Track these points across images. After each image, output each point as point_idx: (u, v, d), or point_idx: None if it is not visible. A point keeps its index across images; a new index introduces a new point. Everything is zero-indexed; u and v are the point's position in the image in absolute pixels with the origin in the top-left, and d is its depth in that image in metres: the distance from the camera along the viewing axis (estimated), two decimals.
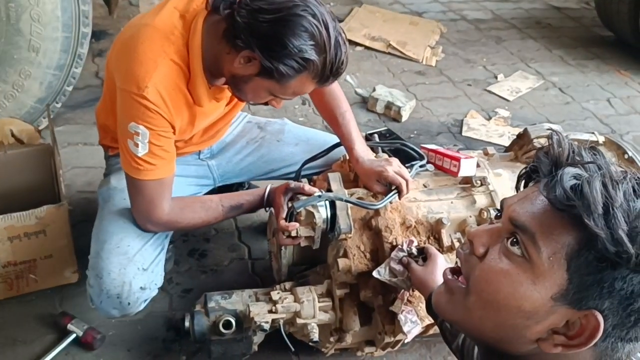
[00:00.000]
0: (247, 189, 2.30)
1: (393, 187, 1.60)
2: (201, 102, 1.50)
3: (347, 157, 1.78)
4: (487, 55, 3.94)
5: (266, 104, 1.53)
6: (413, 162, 1.75)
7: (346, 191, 1.61)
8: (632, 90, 3.73)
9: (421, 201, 1.69)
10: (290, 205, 1.53)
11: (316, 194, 1.52)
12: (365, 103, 3.13)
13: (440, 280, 1.43)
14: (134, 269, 1.56)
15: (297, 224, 1.52)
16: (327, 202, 1.53)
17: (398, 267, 1.51)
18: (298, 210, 1.51)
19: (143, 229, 1.57)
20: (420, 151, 1.80)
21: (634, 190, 0.68)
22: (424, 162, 1.75)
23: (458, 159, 1.70)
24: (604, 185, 0.67)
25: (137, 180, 1.46)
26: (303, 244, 1.58)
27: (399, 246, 1.55)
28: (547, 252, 0.70)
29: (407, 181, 1.60)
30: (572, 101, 3.52)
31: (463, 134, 3.05)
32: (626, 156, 1.85)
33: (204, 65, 1.44)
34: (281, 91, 1.42)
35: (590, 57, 4.11)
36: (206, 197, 1.68)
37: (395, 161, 1.65)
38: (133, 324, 1.85)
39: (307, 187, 1.55)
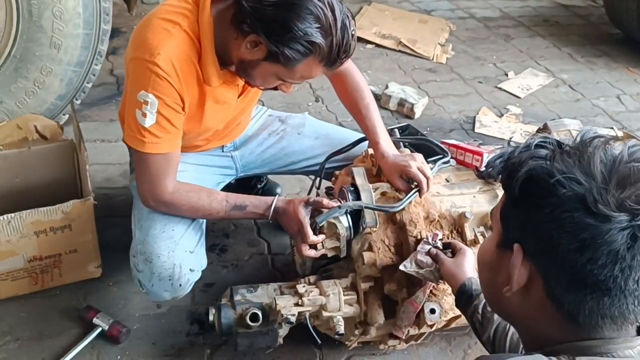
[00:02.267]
0: (265, 184, 2.32)
1: (414, 185, 1.61)
2: (211, 80, 1.48)
3: (370, 152, 1.79)
4: (496, 53, 3.95)
5: (275, 88, 1.54)
6: (437, 158, 1.76)
7: (370, 186, 1.63)
8: None
9: (444, 195, 1.70)
10: (312, 220, 1.55)
11: (336, 205, 1.54)
12: (378, 100, 3.13)
13: (470, 273, 1.45)
14: (182, 251, 1.59)
15: (323, 236, 1.56)
16: (348, 212, 1.55)
17: (425, 259, 1.53)
18: (321, 225, 1.54)
19: (145, 205, 1.58)
20: (444, 147, 1.81)
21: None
22: (447, 157, 1.76)
23: (481, 154, 1.71)
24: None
25: (141, 154, 1.46)
26: (330, 254, 1.61)
27: (425, 239, 1.57)
28: (495, 220, 0.87)
29: (427, 179, 1.61)
30: (583, 98, 3.54)
31: (475, 130, 3.06)
32: None
33: (216, 49, 1.45)
34: (289, 75, 1.42)
35: (598, 54, 4.12)
36: (213, 190, 1.69)
37: (419, 157, 1.67)
38: (157, 317, 1.86)
39: (326, 202, 1.57)
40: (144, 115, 1.40)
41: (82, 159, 1.77)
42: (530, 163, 0.78)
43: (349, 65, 1.82)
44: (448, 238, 1.65)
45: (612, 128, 1.95)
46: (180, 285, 1.60)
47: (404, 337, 1.64)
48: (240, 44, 1.37)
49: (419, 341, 1.76)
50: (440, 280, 1.55)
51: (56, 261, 1.81)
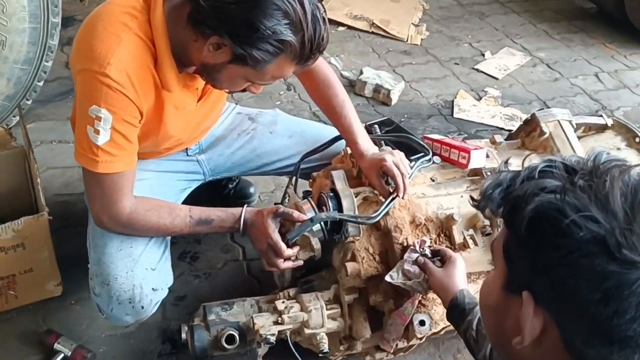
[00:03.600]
0: (237, 183, 2.18)
1: (392, 190, 1.49)
2: (169, 85, 1.33)
3: (349, 151, 1.66)
4: (471, 32, 3.84)
5: (244, 90, 1.39)
6: (418, 156, 1.64)
7: (351, 191, 1.50)
8: (618, 63, 3.68)
9: (430, 197, 1.59)
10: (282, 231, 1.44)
11: (307, 218, 1.42)
12: (352, 87, 3.00)
13: (462, 284, 1.35)
14: (142, 270, 1.45)
15: (297, 248, 1.45)
16: (322, 223, 1.44)
17: (413, 269, 1.42)
18: (293, 241, 1.43)
19: (99, 227, 1.43)
20: (424, 143, 1.69)
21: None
22: (429, 156, 1.64)
23: (467, 151, 1.60)
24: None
25: (93, 173, 1.30)
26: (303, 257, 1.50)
27: (411, 247, 1.46)
28: (497, 255, 0.76)
29: (403, 175, 1.48)
30: (561, 77, 3.45)
31: (454, 115, 2.95)
32: (637, 140, 1.77)
33: (172, 50, 1.29)
34: (258, 77, 1.29)
35: (574, 30, 4.04)
36: (175, 204, 1.54)
37: (398, 152, 1.55)
38: (125, 337, 1.73)
39: (297, 215, 1.43)
40: (97, 132, 1.24)
41: (34, 171, 1.60)
42: (538, 199, 0.66)
43: (317, 60, 1.69)
44: (436, 243, 1.54)
45: (601, 115, 1.85)
46: (142, 307, 1.47)
47: (392, 351, 1.54)
48: (202, 47, 1.22)
49: (407, 352, 1.66)
50: (429, 291, 1.44)
51: (10, 282, 1.65)
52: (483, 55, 3.57)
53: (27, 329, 1.70)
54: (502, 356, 0.82)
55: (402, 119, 2.87)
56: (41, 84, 2.22)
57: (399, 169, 1.48)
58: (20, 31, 2.03)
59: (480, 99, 3.12)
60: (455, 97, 3.10)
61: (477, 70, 3.40)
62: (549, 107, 3.10)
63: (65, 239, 1.91)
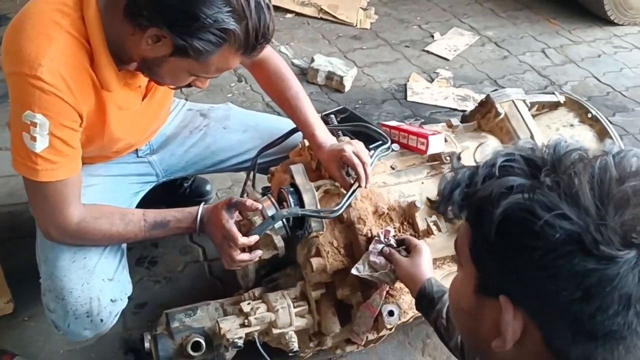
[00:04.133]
0: (192, 182, 2.12)
1: (353, 181, 1.46)
2: (109, 85, 1.25)
3: (306, 144, 1.62)
4: (420, 14, 3.83)
5: (189, 85, 1.32)
6: (377, 144, 1.61)
7: (312, 184, 1.47)
8: (563, 39, 3.75)
9: (391, 185, 1.57)
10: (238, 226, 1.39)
11: (268, 215, 1.37)
12: (304, 75, 2.95)
13: (429, 273, 1.34)
14: (99, 281, 1.38)
15: (256, 237, 1.38)
16: (283, 220, 1.39)
17: (379, 260, 1.40)
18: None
19: (47, 239, 1.35)
20: (382, 131, 1.66)
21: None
22: (388, 144, 1.61)
23: (426, 136, 1.58)
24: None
25: (35, 183, 1.22)
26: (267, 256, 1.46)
27: (376, 238, 1.43)
28: (464, 260, 0.72)
29: (364, 163, 1.45)
30: (510, 55, 3.49)
31: (408, 99, 2.95)
32: (589, 115, 1.79)
33: (109, 46, 1.21)
34: (202, 70, 1.22)
35: (519, 7, 4.09)
36: (127, 209, 1.47)
37: (357, 142, 1.52)
38: (85, 352, 1.65)
39: (250, 202, 1.38)
40: (33, 138, 1.15)
41: None
42: (506, 202, 0.63)
43: (267, 50, 1.63)
44: (399, 231, 1.52)
45: (553, 93, 1.87)
46: (101, 320, 1.40)
47: (362, 344, 1.52)
48: (140, 40, 1.14)
49: (377, 343, 1.64)
50: (396, 281, 1.43)
51: None
52: (432, 36, 3.57)
53: None
54: (478, 355, 0.80)
55: (357, 105, 2.84)
56: None
57: (359, 158, 1.45)
58: None
59: (432, 80, 3.13)
60: (408, 81, 3.10)
61: (428, 52, 3.40)
62: (500, 86, 3.14)
63: (12, 252, 1.83)
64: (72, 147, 1.23)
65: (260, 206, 1.39)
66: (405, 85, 3.05)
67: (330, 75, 2.91)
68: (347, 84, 2.92)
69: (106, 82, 1.24)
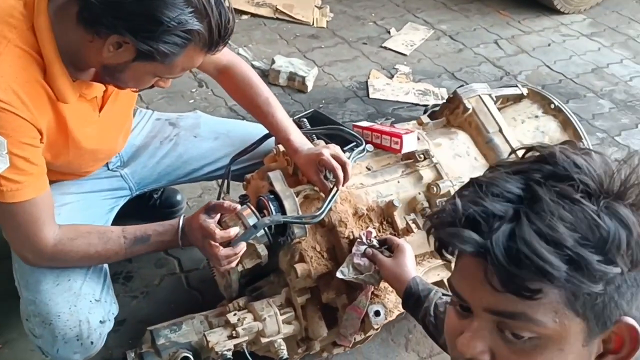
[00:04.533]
0: (162, 192, 2.08)
1: (333, 184, 1.47)
2: (65, 97, 1.21)
3: (281, 149, 1.62)
4: (374, 10, 3.86)
5: (152, 86, 1.30)
6: (351, 146, 1.62)
7: (292, 190, 1.46)
8: (514, 29, 3.84)
9: (368, 186, 1.59)
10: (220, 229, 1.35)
11: (250, 225, 1.35)
12: (266, 77, 2.93)
13: (413, 271, 1.35)
14: (86, 303, 1.35)
15: (236, 229, 1.35)
16: (265, 228, 1.38)
17: (363, 262, 1.41)
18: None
19: (26, 263, 1.30)
20: (355, 132, 1.67)
21: (552, 214, 0.61)
22: (362, 146, 1.62)
23: (399, 136, 1.60)
24: (535, 231, 0.60)
25: (2, 205, 1.17)
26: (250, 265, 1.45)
27: (358, 239, 1.44)
28: (550, 319, 0.63)
29: (344, 164, 1.45)
30: (464, 48, 3.56)
31: (370, 96, 2.97)
32: (552, 106, 1.85)
33: (62, 56, 1.17)
34: (167, 71, 1.21)
35: (470, 0, 4.17)
36: (105, 227, 1.43)
37: (334, 146, 1.52)
38: None
39: (227, 204, 1.36)
40: None
41: None
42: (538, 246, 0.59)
43: (232, 58, 1.62)
44: (379, 231, 1.54)
45: (516, 86, 1.92)
46: (91, 342, 1.37)
47: (350, 345, 1.53)
48: (100, 48, 1.11)
49: (364, 343, 1.65)
50: (381, 282, 1.44)
51: None
52: (389, 32, 3.60)
53: None
54: None
55: (320, 105, 2.85)
56: None
57: (337, 160, 1.46)
58: None
59: (392, 77, 3.16)
60: (369, 78, 3.12)
61: (385, 48, 3.43)
62: (457, 79, 3.20)
63: None
64: (35, 165, 1.18)
65: (238, 207, 1.37)
66: (366, 82, 3.07)
67: (292, 76, 2.90)
68: (309, 84, 2.92)
69: (61, 93, 1.20)
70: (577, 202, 0.60)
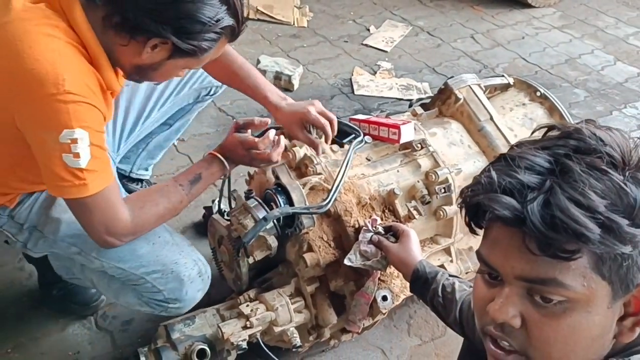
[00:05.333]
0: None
1: (320, 136, 1.53)
2: (113, 87, 1.26)
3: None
4: (352, 9, 3.92)
5: None
6: (350, 138, 1.67)
7: (298, 182, 1.50)
8: (489, 24, 3.94)
9: (369, 176, 1.63)
10: (239, 242, 1.44)
11: (259, 217, 1.41)
12: None
13: (419, 255, 1.39)
14: (187, 246, 1.48)
15: (273, 132, 1.44)
16: (275, 220, 1.43)
17: (369, 249, 1.45)
18: (249, 243, 1.41)
19: (108, 247, 1.31)
20: (353, 125, 1.72)
21: (583, 182, 0.65)
22: (361, 137, 1.67)
23: (397, 126, 1.65)
24: (569, 199, 0.64)
25: (84, 199, 1.19)
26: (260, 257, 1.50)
27: (364, 227, 1.49)
28: (579, 284, 0.67)
29: (331, 121, 1.53)
30: (443, 43, 3.64)
31: (355, 93, 3.02)
32: (538, 94, 1.92)
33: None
34: (198, 63, 1.29)
35: None
36: (159, 184, 1.48)
37: (317, 102, 1.58)
38: None
39: (257, 119, 1.47)
40: (76, 155, 1.12)
41: None
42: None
43: None
44: (382, 219, 1.58)
45: (503, 76, 1.99)
46: (208, 277, 1.50)
47: (359, 331, 1.58)
48: (137, 51, 1.18)
49: (370, 329, 1.70)
50: (388, 267, 1.49)
51: None
52: (368, 30, 3.67)
53: None
54: None
55: None
56: None
57: (325, 117, 1.52)
58: None
59: (375, 73, 3.22)
60: (352, 75, 3.17)
61: (366, 45, 3.49)
62: (438, 73, 3.28)
63: None
64: (104, 150, 1.22)
65: (268, 121, 1.46)
66: (350, 79, 3.13)
67: (278, 75, 2.94)
68: (296, 83, 2.97)
69: (110, 83, 1.24)
70: (605, 172, 0.65)
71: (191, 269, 1.44)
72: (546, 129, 0.76)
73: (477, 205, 0.71)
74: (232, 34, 1.25)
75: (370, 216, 1.54)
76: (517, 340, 0.72)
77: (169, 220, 1.42)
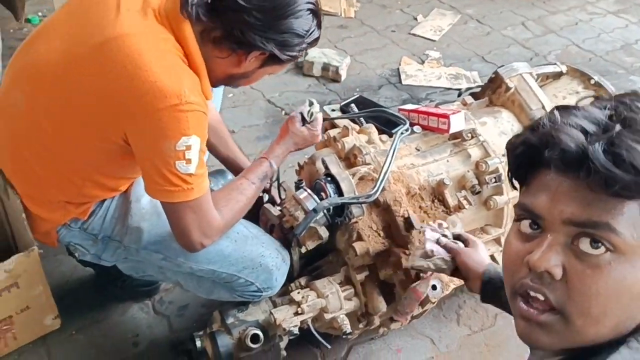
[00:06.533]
0: None
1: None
2: (209, 95, 1.31)
3: (332, 135, 1.68)
4: None
5: None
6: (397, 129, 1.67)
7: (347, 172, 1.53)
8: (540, 10, 3.85)
9: (419, 166, 1.64)
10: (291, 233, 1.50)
11: (310, 209, 1.45)
12: (300, 68, 3.00)
13: (487, 260, 1.31)
14: (265, 236, 1.55)
15: (320, 115, 1.59)
16: (325, 210, 1.47)
17: (436, 249, 1.35)
18: (302, 235, 1.47)
19: (196, 250, 1.34)
20: (400, 115, 1.73)
21: None
22: (406, 126, 1.68)
23: (447, 116, 1.65)
24: (635, 141, 0.61)
25: (189, 203, 1.24)
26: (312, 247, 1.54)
27: (429, 227, 1.41)
28: (629, 233, 0.64)
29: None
30: (492, 30, 3.58)
31: (403, 82, 3.01)
32: (592, 81, 1.88)
33: None
34: (281, 69, 1.40)
35: None
36: (232, 182, 1.49)
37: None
38: (136, 357, 1.69)
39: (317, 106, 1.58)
40: (188, 162, 1.18)
41: (15, 205, 1.51)
42: None
43: None
44: (431, 209, 1.58)
45: (555, 63, 1.95)
46: (289, 258, 1.57)
47: (407, 322, 1.59)
48: (236, 62, 1.28)
49: (419, 318, 1.71)
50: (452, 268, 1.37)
51: (7, 324, 1.58)
52: (416, 19, 3.64)
53: None
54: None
55: (355, 93, 2.89)
56: None
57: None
58: None
59: (423, 62, 3.20)
60: (400, 64, 3.16)
61: (414, 34, 3.47)
62: (487, 62, 3.23)
63: (52, 269, 1.85)
64: (205, 153, 1.27)
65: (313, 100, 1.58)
66: (398, 69, 3.12)
67: (326, 67, 2.96)
68: (343, 74, 2.98)
69: (207, 93, 1.29)
70: None
71: (275, 257, 1.51)
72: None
73: (531, 148, 0.68)
74: (316, 43, 1.35)
75: (434, 221, 1.48)
76: (555, 292, 0.68)
77: (244, 214, 1.47)
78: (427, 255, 1.34)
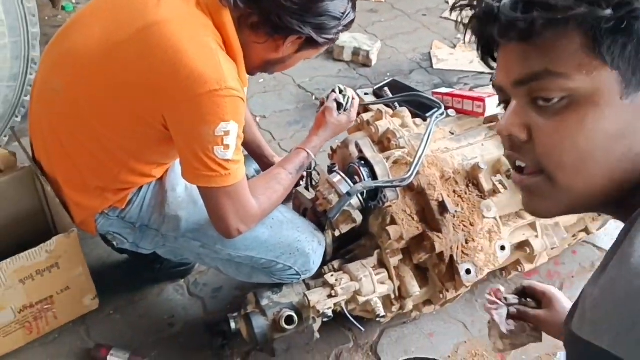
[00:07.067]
0: None
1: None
2: (246, 81, 1.32)
3: (365, 118, 1.68)
4: None
5: None
6: (431, 112, 1.66)
7: (381, 156, 1.52)
8: None
9: (453, 150, 1.62)
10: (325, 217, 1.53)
11: (344, 192, 1.46)
12: (330, 53, 2.99)
13: (567, 309, 1.09)
14: (299, 219, 1.57)
15: (356, 99, 1.60)
16: (359, 194, 1.48)
17: (513, 326, 1.14)
18: (335, 219, 1.48)
19: (232, 237, 1.36)
20: (435, 98, 1.71)
21: None
22: (441, 109, 1.66)
23: (482, 99, 1.63)
24: None
25: (227, 188, 1.25)
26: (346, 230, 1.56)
27: (489, 304, 1.16)
28: (574, 70, 0.61)
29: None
30: None
31: (434, 67, 2.98)
32: None
33: None
34: (316, 53, 1.39)
35: None
36: (271, 172, 1.50)
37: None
38: (173, 338, 1.72)
39: (350, 92, 1.60)
40: (226, 147, 1.19)
41: (47, 189, 1.55)
42: None
43: None
44: (465, 193, 1.57)
45: None
46: (324, 240, 1.59)
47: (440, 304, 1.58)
48: (274, 47, 1.29)
49: (452, 302, 1.71)
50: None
51: (49, 304, 1.62)
52: (447, 2, 3.59)
53: (74, 348, 1.68)
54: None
55: (385, 78, 2.87)
56: (27, 98, 2.13)
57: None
58: (2, 47, 1.93)
59: (454, 46, 3.16)
60: (431, 49, 3.13)
61: (446, 18, 3.42)
62: None
63: (85, 253, 1.88)
64: (241, 140, 1.27)
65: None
66: (429, 53, 3.09)
67: (356, 51, 2.94)
68: (374, 58, 2.96)
69: (244, 79, 1.30)
70: None
71: (312, 241, 1.52)
72: None
73: (478, 30, 0.71)
74: (351, 25, 1.34)
75: (489, 292, 1.18)
76: (528, 155, 0.68)
77: (280, 202, 1.49)
78: (505, 335, 1.14)
